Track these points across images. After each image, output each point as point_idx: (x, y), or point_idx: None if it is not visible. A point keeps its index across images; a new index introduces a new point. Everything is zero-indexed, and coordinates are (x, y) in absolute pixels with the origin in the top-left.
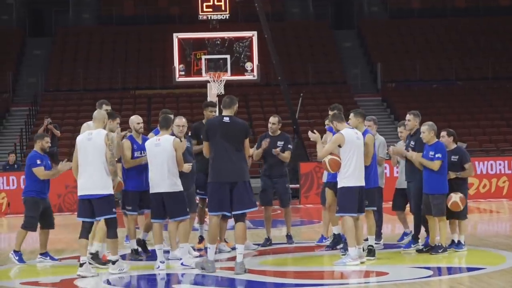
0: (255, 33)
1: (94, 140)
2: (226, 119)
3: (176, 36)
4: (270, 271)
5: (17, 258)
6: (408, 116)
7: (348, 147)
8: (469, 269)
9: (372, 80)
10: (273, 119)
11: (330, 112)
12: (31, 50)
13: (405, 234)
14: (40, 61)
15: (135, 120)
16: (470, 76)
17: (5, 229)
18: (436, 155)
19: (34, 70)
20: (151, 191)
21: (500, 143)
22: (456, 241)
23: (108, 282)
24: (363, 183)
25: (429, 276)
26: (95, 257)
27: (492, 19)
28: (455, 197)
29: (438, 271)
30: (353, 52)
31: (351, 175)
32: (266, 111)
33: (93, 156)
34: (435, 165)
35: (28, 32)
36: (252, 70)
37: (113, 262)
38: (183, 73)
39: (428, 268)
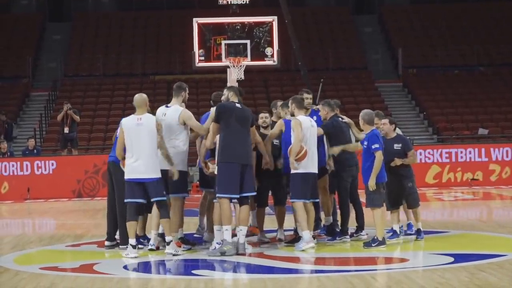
0: (275, 18)
1: (145, 125)
2: (238, 105)
3: (196, 21)
4: (291, 257)
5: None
6: (320, 106)
7: (305, 134)
8: (491, 256)
9: (393, 65)
10: (263, 114)
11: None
12: (51, 35)
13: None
14: (60, 46)
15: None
16: (492, 61)
17: (25, 214)
18: (373, 146)
19: (53, 55)
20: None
21: None
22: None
23: (127, 267)
24: (316, 170)
25: (450, 263)
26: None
27: None
28: None
29: (459, 257)
30: (373, 37)
31: (308, 162)
32: (286, 97)
33: (146, 141)
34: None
35: (48, 17)
36: (272, 56)
37: (168, 243)
38: (202, 58)
39: (449, 254)
